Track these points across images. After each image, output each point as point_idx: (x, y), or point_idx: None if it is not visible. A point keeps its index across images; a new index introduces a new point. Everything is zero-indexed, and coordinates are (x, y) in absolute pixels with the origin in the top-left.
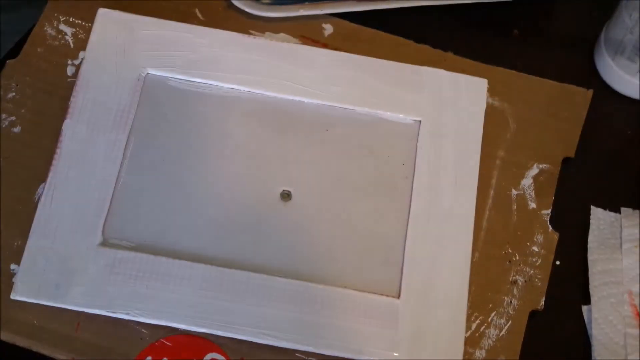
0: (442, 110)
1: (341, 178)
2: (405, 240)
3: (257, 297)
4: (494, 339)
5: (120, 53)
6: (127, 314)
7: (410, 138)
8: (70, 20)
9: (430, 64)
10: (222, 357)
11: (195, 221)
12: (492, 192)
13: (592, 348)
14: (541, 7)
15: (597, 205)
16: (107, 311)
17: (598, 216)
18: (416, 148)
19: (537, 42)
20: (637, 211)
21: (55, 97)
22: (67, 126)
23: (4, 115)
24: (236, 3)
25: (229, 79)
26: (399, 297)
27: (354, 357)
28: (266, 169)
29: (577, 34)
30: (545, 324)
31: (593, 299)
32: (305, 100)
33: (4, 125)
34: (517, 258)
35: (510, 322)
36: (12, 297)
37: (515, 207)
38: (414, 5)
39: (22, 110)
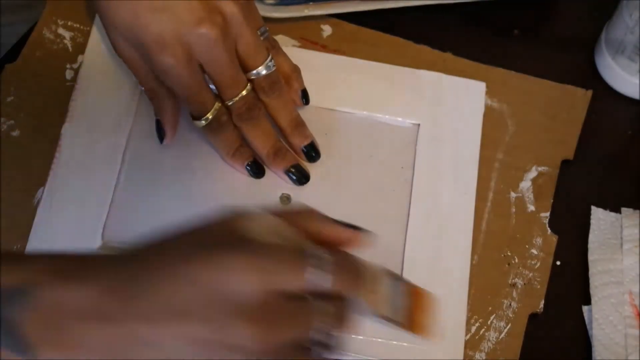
0: (440, 113)
1: (340, 182)
2: (404, 244)
3: None
4: (493, 342)
5: (119, 57)
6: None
7: (409, 141)
8: (69, 24)
9: (429, 64)
10: None
11: None
12: (491, 195)
13: (593, 348)
14: (541, 7)
15: (598, 206)
16: None
17: (598, 216)
18: (415, 151)
19: (537, 42)
20: (638, 211)
21: (54, 101)
22: (66, 130)
23: (2, 119)
24: None
25: None
26: None
27: (355, 358)
28: (266, 172)
29: (577, 34)
30: (546, 324)
31: (593, 299)
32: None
33: (2, 129)
34: (516, 261)
35: (509, 325)
36: None
37: (514, 209)
38: (417, 4)
39: (21, 114)
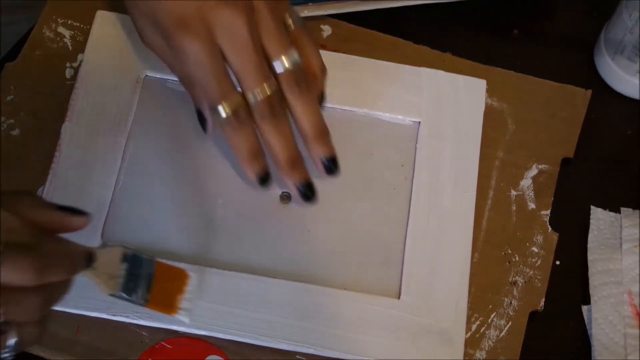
0: (441, 111)
1: (341, 179)
2: (405, 242)
3: (256, 299)
4: (494, 340)
5: (119, 55)
6: (127, 316)
7: (409, 139)
8: (69, 22)
9: (429, 64)
10: (222, 359)
11: (195, 224)
12: (491, 193)
13: (592, 348)
14: (541, 7)
15: (598, 205)
16: (107, 314)
17: (598, 216)
18: (415, 149)
19: (537, 42)
20: (637, 211)
21: (54, 100)
22: (66, 129)
23: (2, 118)
24: None
25: None
26: (398, 297)
27: (355, 358)
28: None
29: (577, 34)
30: (546, 324)
31: (593, 299)
32: None
33: (2, 128)
34: (517, 259)
35: (510, 323)
36: None
37: (514, 207)
38: (417, 4)
39: (21, 113)
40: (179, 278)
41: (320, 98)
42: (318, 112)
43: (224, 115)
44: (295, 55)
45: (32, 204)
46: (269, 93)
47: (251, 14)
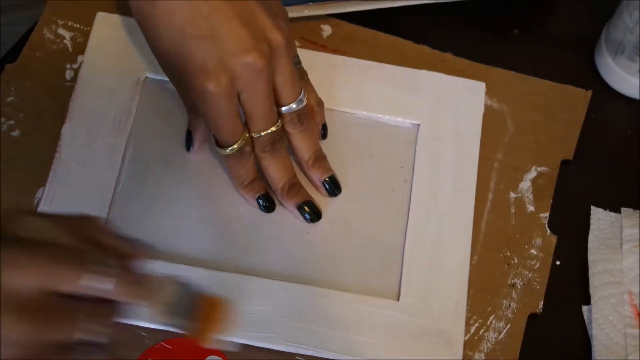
0: (440, 113)
1: (340, 181)
2: (404, 243)
3: (256, 300)
4: (493, 342)
5: (119, 57)
6: (127, 317)
7: (408, 141)
8: (69, 24)
9: (429, 64)
10: None
11: (194, 225)
12: (490, 195)
13: (592, 348)
14: (541, 7)
15: (598, 206)
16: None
17: (598, 216)
18: (415, 151)
19: (537, 42)
20: (638, 211)
21: (54, 101)
22: (66, 130)
23: (2, 119)
24: None
25: None
26: (398, 299)
27: (354, 359)
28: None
29: (577, 34)
30: (546, 324)
31: (593, 299)
32: None
33: (2, 129)
34: (516, 261)
35: (509, 325)
36: None
37: (513, 210)
38: (417, 4)
39: (21, 114)
40: (217, 307)
41: (323, 129)
42: (317, 142)
43: (229, 151)
44: (303, 97)
45: (100, 230)
46: (273, 134)
47: (270, 59)
